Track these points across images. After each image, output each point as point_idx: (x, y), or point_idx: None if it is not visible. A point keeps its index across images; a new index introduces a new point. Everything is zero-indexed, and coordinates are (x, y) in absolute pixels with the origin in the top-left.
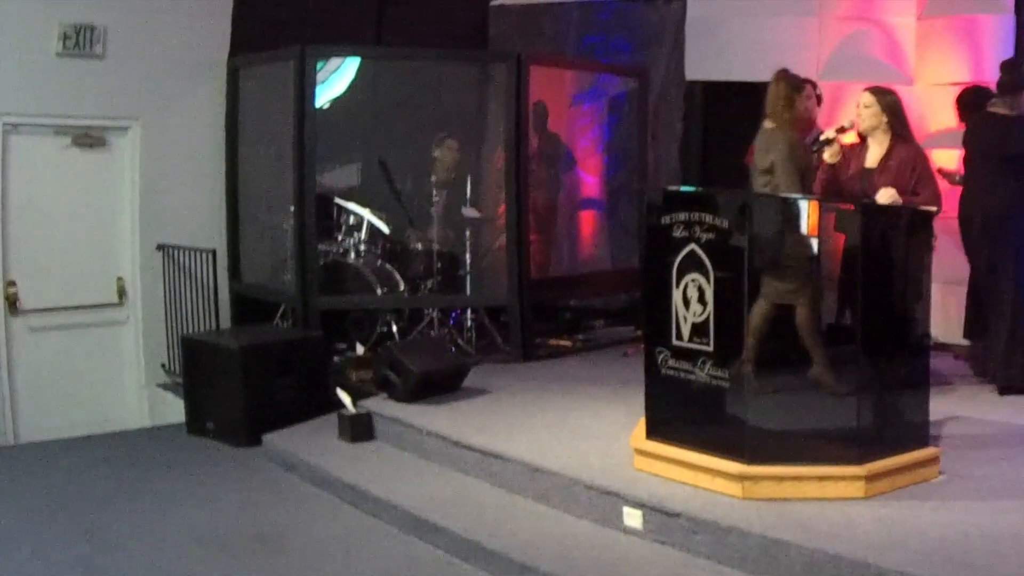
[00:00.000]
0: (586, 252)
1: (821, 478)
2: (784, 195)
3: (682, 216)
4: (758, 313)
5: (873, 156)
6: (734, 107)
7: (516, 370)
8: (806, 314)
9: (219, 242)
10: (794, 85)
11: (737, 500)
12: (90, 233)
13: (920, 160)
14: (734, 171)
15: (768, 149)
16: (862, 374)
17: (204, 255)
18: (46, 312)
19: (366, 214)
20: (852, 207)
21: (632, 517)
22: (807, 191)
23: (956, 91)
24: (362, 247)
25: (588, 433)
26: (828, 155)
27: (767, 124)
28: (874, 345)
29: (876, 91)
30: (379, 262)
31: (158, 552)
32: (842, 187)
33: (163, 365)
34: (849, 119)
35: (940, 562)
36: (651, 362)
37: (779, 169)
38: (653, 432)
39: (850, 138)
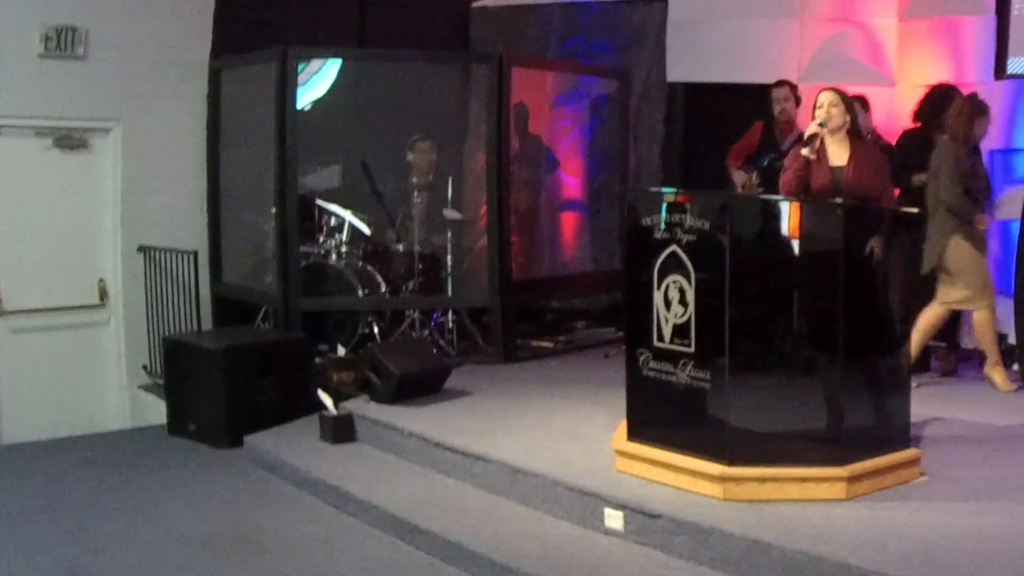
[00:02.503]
0: (568, 253)
1: (803, 479)
2: (773, 197)
3: (663, 217)
4: (933, 315)
5: (838, 155)
6: (715, 108)
7: (497, 371)
8: (985, 317)
9: (200, 243)
10: (978, 110)
11: (718, 501)
12: (72, 234)
13: (885, 162)
14: (715, 172)
15: (941, 158)
16: (843, 375)
17: (185, 256)
18: (28, 313)
19: (347, 215)
20: (837, 208)
21: (613, 518)
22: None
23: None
24: (343, 248)
25: (569, 434)
26: (807, 151)
27: (945, 137)
28: (855, 346)
29: (837, 90)
30: (360, 263)
31: (140, 553)
32: (812, 189)
33: (144, 366)
34: (821, 114)
35: (921, 563)
36: (632, 363)
37: (944, 177)
38: (634, 433)
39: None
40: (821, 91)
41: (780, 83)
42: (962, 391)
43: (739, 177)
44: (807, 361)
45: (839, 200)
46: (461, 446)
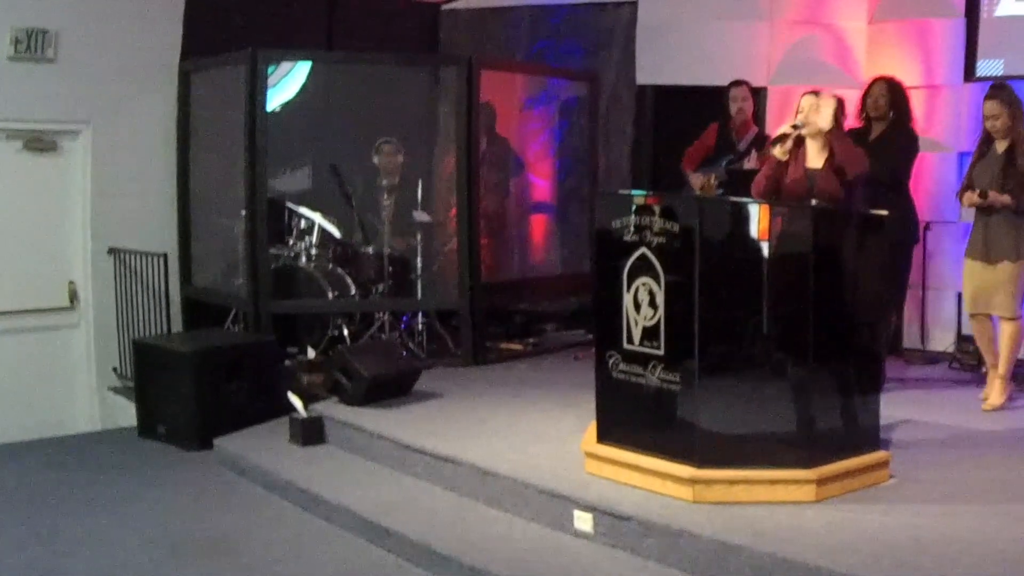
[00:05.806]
0: (537, 256)
1: (772, 482)
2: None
3: (632, 220)
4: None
5: (817, 156)
6: (684, 111)
7: (467, 374)
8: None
9: (170, 246)
10: None
11: (688, 504)
12: (41, 237)
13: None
14: (684, 175)
15: None
16: (813, 377)
17: (155, 259)
18: None
19: (317, 218)
20: (808, 209)
21: (583, 521)
22: None
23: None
24: (313, 251)
25: (539, 437)
26: (779, 151)
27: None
28: (826, 348)
29: (818, 93)
30: (330, 266)
31: (109, 556)
32: (785, 190)
33: (114, 369)
34: (800, 118)
35: (890, 566)
36: (602, 366)
37: None
38: (604, 436)
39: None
40: (804, 94)
41: (737, 82)
42: (931, 394)
43: (697, 180)
44: (777, 363)
45: (813, 202)
46: (430, 448)
